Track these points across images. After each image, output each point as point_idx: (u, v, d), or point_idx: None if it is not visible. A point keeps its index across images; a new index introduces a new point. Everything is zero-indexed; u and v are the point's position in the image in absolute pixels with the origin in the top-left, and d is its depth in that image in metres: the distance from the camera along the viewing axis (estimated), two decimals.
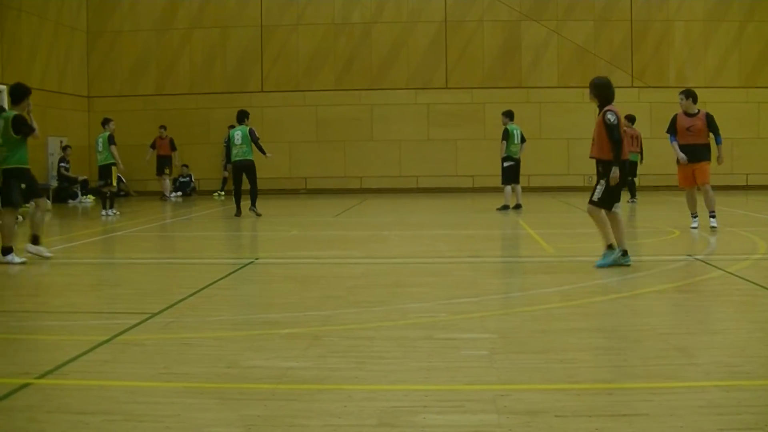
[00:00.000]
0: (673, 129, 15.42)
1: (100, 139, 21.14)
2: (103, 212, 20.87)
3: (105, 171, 21.05)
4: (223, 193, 29.34)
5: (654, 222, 17.21)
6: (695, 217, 15.54)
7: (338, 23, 30.31)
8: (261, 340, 7.04)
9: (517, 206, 20.97)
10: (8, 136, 12.21)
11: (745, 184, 29.37)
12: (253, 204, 19.64)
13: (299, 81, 30.41)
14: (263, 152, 19.64)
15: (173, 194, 28.85)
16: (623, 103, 28.86)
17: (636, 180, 24.18)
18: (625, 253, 10.91)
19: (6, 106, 18.52)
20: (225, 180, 29.61)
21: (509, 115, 21.16)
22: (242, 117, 20.02)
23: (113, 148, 20.86)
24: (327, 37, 30.35)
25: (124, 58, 30.93)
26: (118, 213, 21.12)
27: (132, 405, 5.19)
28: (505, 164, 20.88)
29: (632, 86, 29.67)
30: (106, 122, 21.63)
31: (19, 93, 12.44)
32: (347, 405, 5.14)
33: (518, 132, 21.01)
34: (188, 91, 30.59)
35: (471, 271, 11.14)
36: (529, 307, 8.37)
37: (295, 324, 7.66)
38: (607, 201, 10.89)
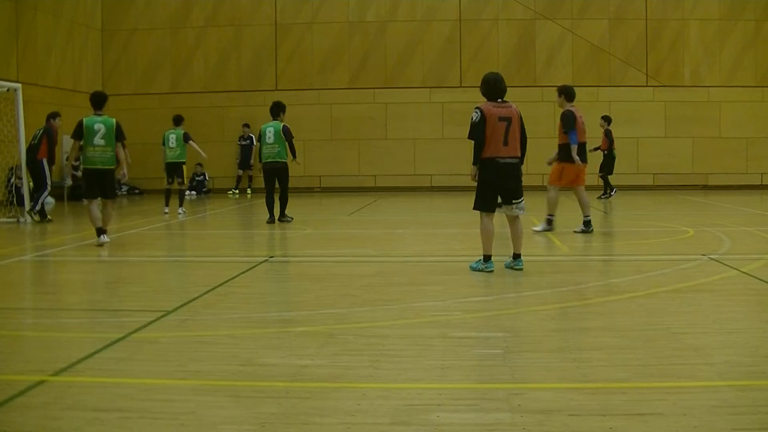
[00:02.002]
0: None
1: (173, 135, 20.66)
2: (180, 210, 20.64)
3: (176, 168, 20.75)
4: (237, 191, 29.43)
5: (668, 221, 17.15)
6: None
7: (353, 22, 30.33)
8: (275, 338, 7.05)
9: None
10: (111, 139, 13.93)
11: (759, 183, 29.27)
12: (283, 212, 17.81)
13: (314, 79, 30.43)
14: (293, 155, 17.73)
15: (187, 193, 28.90)
16: (638, 102, 29.12)
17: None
18: (516, 257, 10.69)
19: (21, 105, 18.77)
20: (239, 178, 29.70)
21: None
22: (277, 111, 17.92)
23: (191, 143, 20.59)
24: (341, 35, 30.36)
25: (138, 57, 31.01)
26: (186, 211, 20.98)
27: (147, 402, 5.20)
28: None
29: (647, 85, 29.62)
30: (181, 120, 21.22)
31: (104, 100, 14.38)
32: (361, 403, 5.14)
33: None
34: (203, 90, 30.66)
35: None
36: (543, 306, 8.37)
37: (309, 322, 7.67)
38: (481, 204, 10.58)
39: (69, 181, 26.57)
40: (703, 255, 11.70)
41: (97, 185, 14.03)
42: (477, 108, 10.47)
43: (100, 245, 13.57)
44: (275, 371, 5.90)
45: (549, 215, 15.28)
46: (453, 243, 14.40)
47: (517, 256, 10.69)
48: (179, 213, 20.33)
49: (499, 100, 10.61)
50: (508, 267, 10.69)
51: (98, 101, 14.16)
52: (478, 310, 8.25)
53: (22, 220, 18.33)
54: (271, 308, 8.75)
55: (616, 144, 24.89)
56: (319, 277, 10.58)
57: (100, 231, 13.80)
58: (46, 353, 6.60)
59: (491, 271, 10.41)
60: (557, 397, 5.22)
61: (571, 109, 15.00)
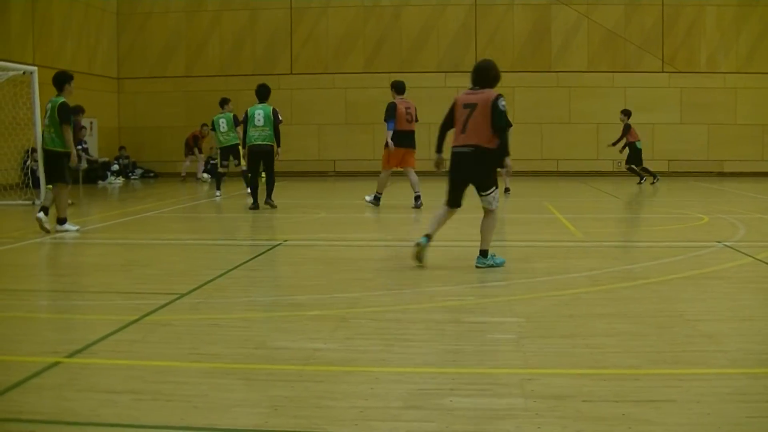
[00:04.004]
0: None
1: (223, 120, 20.43)
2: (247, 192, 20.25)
3: (232, 151, 20.55)
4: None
5: (682, 208, 17.11)
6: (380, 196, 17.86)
7: (368, 6, 30.27)
8: (288, 322, 7.06)
9: (506, 190, 21.05)
10: (54, 119, 13.33)
11: None
12: (269, 196, 17.59)
13: (328, 63, 30.41)
14: (278, 142, 17.35)
15: (204, 176, 28.92)
16: (653, 88, 29.01)
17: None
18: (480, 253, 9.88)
19: (37, 88, 18.81)
20: None
21: None
22: (266, 93, 17.92)
23: (239, 129, 20.15)
24: (357, 19, 30.32)
25: (154, 40, 31.03)
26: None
27: (160, 384, 5.22)
28: None
29: (663, 71, 29.49)
30: (226, 102, 20.91)
31: (61, 80, 13.57)
32: (374, 387, 5.15)
33: None
34: (217, 73, 30.65)
35: (499, 255, 11.12)
36: (556, 291, 8.35)
37: (322, 306, 7.68)
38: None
39: (84, 164, 26.63)
40: (718, 242, 11.67)
41: (45, 167, 14.03)
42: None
43: (59, 232, 13.30)
44: (288, 354, 5.92)
45: (378, 193, 18.00)
46: (467, 227, 14.38)
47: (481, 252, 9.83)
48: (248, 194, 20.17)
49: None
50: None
51: (54, 82, 13.67)
52: (492, 295, 8.25)
53: (37, 202, 18.39)
54: (284, 292, 8.77)
55: (639, 134, 24.63)
56: (332, 261, 10.60)
57: (61, 221, 13.46)
58: (60, 335, 6.63)
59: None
60: (570, 383, 5.22)
61: (394, 101, 17.39)
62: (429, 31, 30.08)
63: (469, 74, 10.06)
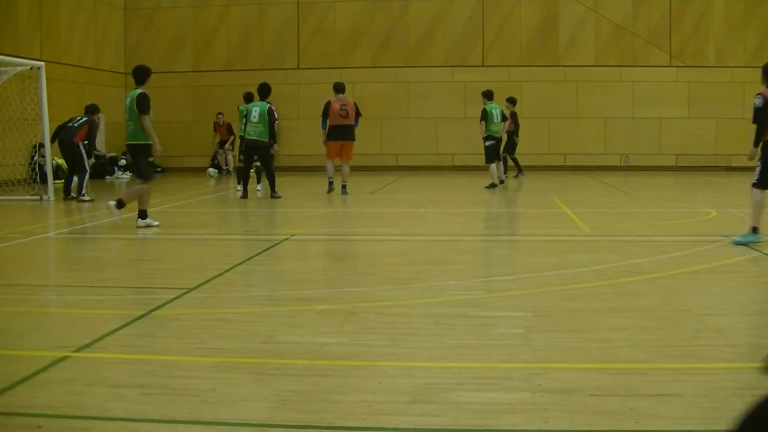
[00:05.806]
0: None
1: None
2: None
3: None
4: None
5: (690, 202, 17.08)
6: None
7: (375, 0, 30.22)
8: (297, 316, 7.07)
9: (501, 181, 21.67)
10: (133, 113, 13.15)
11: None
12: (273, 190, 18.47)
13: (336, 58, 30.37)
14: (273, 140, 18.47)
15: (210, 171, 28.92)
16: (661, 82, 28.92)
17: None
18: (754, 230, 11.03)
19: (44, 83, 18.84)
20: None
21: (487, 95, 21.39)
22: (266, 92, 18.70)
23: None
24: (364, 14, 30.27)
25: (161, 35, 31.03)
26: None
27: (168, 379, 5.24)
28: (487, 143, 21.08)
29: (670, 65, 29.41)
30: (251, 99, 20.28)
31: (140, 74, 13.44)
32: (382, 381, 5.16)
33: (498, 111, 21.33)
34: (225, 68, 30.65)
35: (507, 249, 11.10)
36: (564, 285, 8.35)
37: (330, 300, 7.69)
38: (765, 181, 10.94)
39: (92, 159, 26.62)
40: (726, 236, 11.64)
41: (131, 162, 14.22)
42: (760, 94, 11.25)
43: (138, 227, 13.15)
44: (296, 349, 5.92)
45: (329, 179, 20.02)
46: (475, 222, 14.39)
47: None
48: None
49: None
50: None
51: (134, 76, 13.57)
52: (500, 290, 8.25)
53: (45, 197, 18.42)
54: (292, 286, 8.77)
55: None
56: (341, 255, 10.61)
57: (142, 213, 13.30)
58: (69, 329, 6.64)
59: (756, 242, 10.74)
60: (578, 377, 5.22)
61: (330, 99, 19.66)
62: (436, 25, 30.04)
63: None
